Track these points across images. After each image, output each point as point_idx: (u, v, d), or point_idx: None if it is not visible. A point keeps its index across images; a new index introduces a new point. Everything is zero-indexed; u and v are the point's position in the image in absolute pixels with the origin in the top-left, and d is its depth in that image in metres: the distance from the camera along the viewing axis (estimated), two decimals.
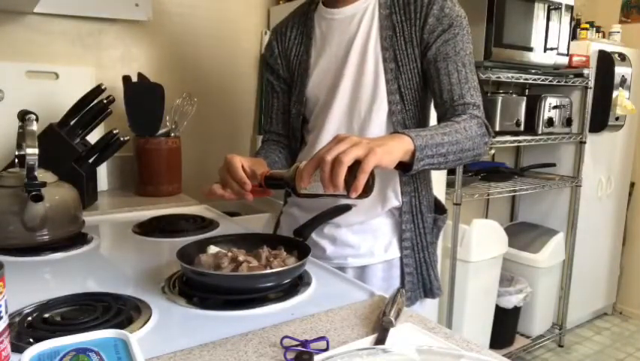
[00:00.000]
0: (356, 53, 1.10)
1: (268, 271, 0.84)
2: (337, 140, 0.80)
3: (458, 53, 1.05)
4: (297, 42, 1.19)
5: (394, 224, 1.15)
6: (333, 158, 0.77)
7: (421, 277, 1.17)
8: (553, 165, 2.82)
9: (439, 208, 1.23)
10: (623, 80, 2.78)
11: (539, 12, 2.37)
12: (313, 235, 1.15)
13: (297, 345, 0.66)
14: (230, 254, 0.89)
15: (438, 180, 2.12)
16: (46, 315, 0.75)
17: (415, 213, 1.15)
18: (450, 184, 2.18)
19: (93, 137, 1.48)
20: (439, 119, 1.09)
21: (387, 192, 1.13)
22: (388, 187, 1.13)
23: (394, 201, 1.13)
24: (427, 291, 1.19)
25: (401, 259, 1.15)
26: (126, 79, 1.64)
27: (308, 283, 0.90)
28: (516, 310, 2.62)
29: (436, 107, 1.10)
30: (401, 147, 0.87)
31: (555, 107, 2.59)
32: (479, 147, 1.02)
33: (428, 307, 1.21)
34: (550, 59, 2.48)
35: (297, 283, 0.89)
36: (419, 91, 1.10)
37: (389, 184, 1.13)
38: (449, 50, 1.04)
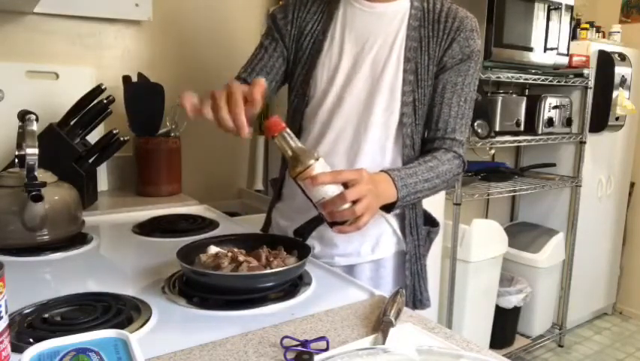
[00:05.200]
0: (377, 54, 1.09)
1: (268, 271, 0.84)
2: (358, 189, 0.87)
3: (465, 87, 1.09)
4: (317, 19, 1.14)
5: (382, 225, 1.15)
6: (350, 207, 0.86)
7: (412, 289, 1.18)
8: (553, 165, 2.82)
9: (429, 221, 1.24)
10: (623, 80, 2.78)
11: (539, 12, 2.37)
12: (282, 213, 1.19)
13: (297, 345, 0.66)
14: (230, 254, 0.89)
15: None
16: (46, 315, 0.75)
17: (412, 225, 1.16)
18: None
19: (93, 137, 1.48)
20: (425, 141, 1.14)
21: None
22: None
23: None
24: (417, 302, 1.19)
25: (405, 256, 1.16)
26: (126, 79, 1.64)
27: (308, 283, 0.90)
28: (516, 310, 2.62)
29: (427, 126, 1.14)
30: (386, 199, 0.97)
31: (555, 107, 2.59)
32: (450, 186, 1.14)
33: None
34: (550, 59, 2.48)
35: (297, 283, 0.89)
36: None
37: None
38: (459, 81, 1.09)
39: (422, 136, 1.15)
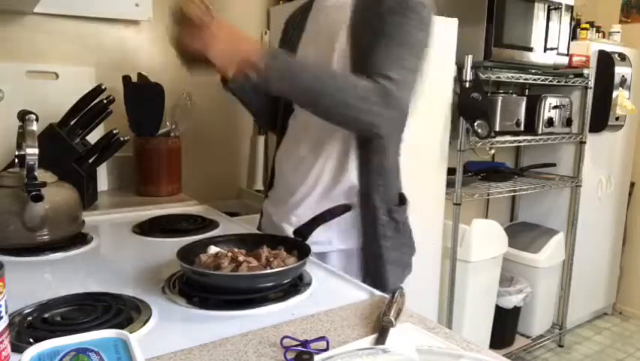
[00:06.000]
0: (323, 48, 1.13)
1: (268, 271, 0.84)
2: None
3: (403, 34, 1.03)
4: (295, 29, 1.24)
5: (353, 215, 1.14)
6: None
7: (373, 272, 1.15)
8: (554, 165, 2.82)
9: (396, 200, 1.21)
10: (623, 80, 2.78)
11: (539, 12, 2.37)
12: (277, 220, 1.21)
13: (297, 345, 0.66)
14: (230, 254, 0.89)
15: (437, 180, 2.12)
16: (46, 315, 0.75)
17: (370, 206, 1.13)
18: (450, 184, 2.18)
19: (93, 137, 1.48)
20: None
21: (340, 174, 1.13)
22: (342, 168, 1.13)
23: (348, 181, 1.12)
24: (378, 286, 1.15)
25: (360, 250, 1.16)
26: (126, 79, 1.64)
27: (308, 283, 0.90)
28: (516, 310, 2.62)
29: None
30: (243, 50, 0.94)
31: (555, 107, 2.59)
32: (359, 107, 0.98)
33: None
34: (550, 59, 2.48)
35: (297, 283, 0.89)
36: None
37: (343, 166, 1.13)
38: (387, 30, 1.03)
39: None
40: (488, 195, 2.55)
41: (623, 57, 2.79)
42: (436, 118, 2.07)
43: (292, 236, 1.07)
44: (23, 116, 1.09)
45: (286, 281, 0.86)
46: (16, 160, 1.16)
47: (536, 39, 2.39)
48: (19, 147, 1.16)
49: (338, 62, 1.09)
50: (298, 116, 1.20)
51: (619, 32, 2.96)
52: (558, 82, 2.60)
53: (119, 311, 0.75)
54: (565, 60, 2.56)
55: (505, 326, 2.62)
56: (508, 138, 2.43)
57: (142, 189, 1.64)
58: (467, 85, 2.11)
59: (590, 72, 2.67)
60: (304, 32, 1.21)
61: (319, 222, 1.06)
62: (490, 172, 2.64)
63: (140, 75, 1.69)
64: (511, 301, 2.56)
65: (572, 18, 2.55)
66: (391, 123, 1.03)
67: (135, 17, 1.75)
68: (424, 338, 0.71)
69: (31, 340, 0.67)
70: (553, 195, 2.92)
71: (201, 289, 0.83)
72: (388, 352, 0.59)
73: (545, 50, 2.44)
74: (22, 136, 1.09)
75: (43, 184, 1.04)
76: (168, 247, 1.03)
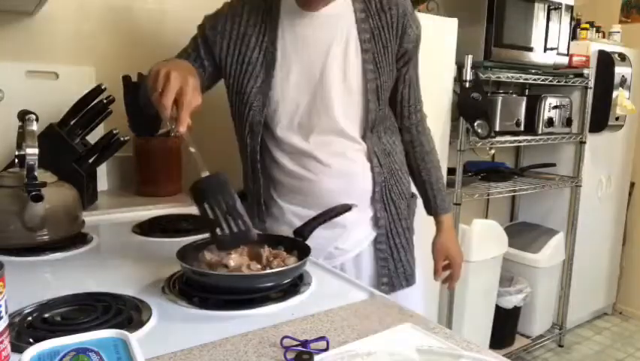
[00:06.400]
0: (338, 55, 1.12)
1: (268, 271, 0.84)
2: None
3: (418, 61, 1.24)
4: (260, 30, 1.14)
5: (364, 219, 1.19)
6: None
7: (400, 264, 1.22)
8: (554, 165, 2.82)
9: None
10: (623, 80, 2.78)
11: (539, 12, 2.38)
12: (275, 227, 1.25)
13: (297, 345, 0.66)
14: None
15: None
16: (46, 315, 0.75)
17: (386, 200, 1.20)
18: (450, 184, 2.18)
19: (93, 137, 1.48)
20: (401, 117, 1.26)
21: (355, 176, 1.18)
22: (356, 170, 1.18)
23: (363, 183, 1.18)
24: (409, 277, 1.24)
25: (374, 245, 1.21)
26: (126, 79, 1.64)
27: (308, 283, 0.90)
28: (516, 310, 2.63)
29: (398, 105, 1.25)
30: None
31: (555, 107, 2.59)
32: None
33: (414, 298, 1.25)
34: (550, 59, 2.48)
35: (297, 283, 0.89)
36: (389, 92, 1.19)
37: (357, 169, 1.18)
38: (416, 60, 1.22)
39: (385, 111, 1.20)
40: (488, 195, 2.55)
41: (623, 57, 2.79)
42: (436, 118, 2.07)
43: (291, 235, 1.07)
44: (23, 116, 1.09)
45: (286, 281, 0.86)
46: (16, 160, 1.15)
47: (536, 39, 2.39)
48: (19, 147, 1.15)
49: (354, 70, 1.12)
50: (297, 140, 1.21)
51: (619, 32, 2.96)
52: (558, 82, 2.60)
53: (119, 311, 0.75)
54: (565, 60, 2.56)
55: (505, 326, 2.62)
56: (508, 138, 2.43)
57: (142, 189, 1.64)
58: (467, 85, 2.11)
59: (590, 72, 2.68)
60: (282, 39, 1.12)
61: (319, 221, 1.06)
62: (490, 172, 2.64)
63: (140, 75, 1.69)
64: (511, 301, 2.56)
65: (572, 18, 2.55)
66: None
67: (135, 17, 1.75)
68: (424, 338, 0.71)
69: (31, 340, 0.67)
70: (553, 195, 2.92)
71: (201, 289, 0.83)
72: (388, 352, 0.59)
73: (545, 50, 2.44)
74: (22, 136, 1.08)
75: (43, 184, 1.03)
76: (168, 247, 1.03)
